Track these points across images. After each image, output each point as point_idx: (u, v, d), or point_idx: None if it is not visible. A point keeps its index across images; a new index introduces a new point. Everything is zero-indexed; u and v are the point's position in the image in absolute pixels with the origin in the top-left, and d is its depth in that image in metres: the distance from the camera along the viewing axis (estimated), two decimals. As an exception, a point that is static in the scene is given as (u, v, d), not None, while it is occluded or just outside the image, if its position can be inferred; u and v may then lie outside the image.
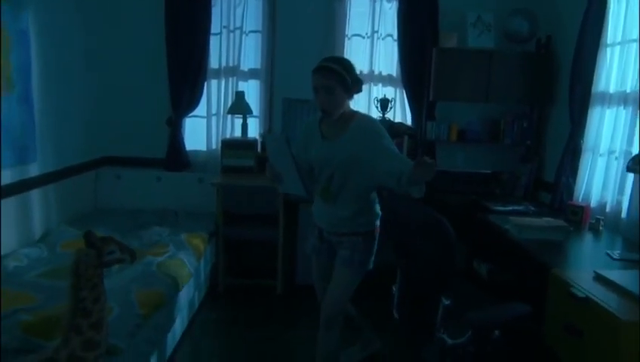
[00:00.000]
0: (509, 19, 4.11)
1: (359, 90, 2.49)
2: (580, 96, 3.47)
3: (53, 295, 2.60)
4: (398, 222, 2.51)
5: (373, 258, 2.58)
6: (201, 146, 4.55)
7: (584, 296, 2.11)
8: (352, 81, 2.41)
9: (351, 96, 2.46)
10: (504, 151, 4.42)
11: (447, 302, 2.27)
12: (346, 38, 4.38)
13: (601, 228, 3.11)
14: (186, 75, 4.30)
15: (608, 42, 3.32)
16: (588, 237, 3.07)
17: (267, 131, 4.44)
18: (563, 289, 2.25)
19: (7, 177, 3.21)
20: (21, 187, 3.36)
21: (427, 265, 2.30)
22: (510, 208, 3.57)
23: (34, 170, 3.51)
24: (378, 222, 2.58)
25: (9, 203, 3.23)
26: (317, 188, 2.59)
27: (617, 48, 3.26)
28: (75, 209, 4.10)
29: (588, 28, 3.37)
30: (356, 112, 2.52)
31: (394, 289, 2.75)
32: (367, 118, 2.56)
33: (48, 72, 3.63)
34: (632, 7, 3.14)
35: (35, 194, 3.55)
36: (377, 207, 2.59)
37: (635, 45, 3.08)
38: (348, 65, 2.44)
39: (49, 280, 2.83)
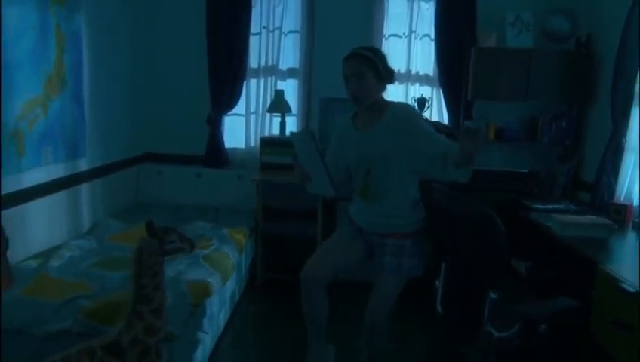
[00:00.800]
0: (548, 18, 4.10)
1: (392, 82, 2.43)
2: (622, 94, 3.45)
3: (106, 284, 2.73)
4: (445, 216, 2.53)
5: (422, 261, 2.46)
6: (240, 144, 4.63)
7: (635, 290, 2.12)
8: (383, 70, 2.36)
9: (383, 87, 2.40)
10: (542, 150, 4.40)
11: (494, 296, 2.29)
12: (384, 38, 4.40)
13: (645, 226, 3.10)
14: (226, 75, 4.38)
15: (653, 41, 3.30)
16: (632, 235, 3.06)
17: (303, 130, 4.49)
18: (612, 285, 2.26)
19: (61, 171, 3.36)
20: (71, 181, 3.50)
21: (476, 260, 2.32)
22: (551, 206, 3.57)
23: (83, 165, 3.65)
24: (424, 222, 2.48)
25: (61, 196, 3.38)
26: (356, 187, 2.50)
27: (662, 47, 3.24)
28: (118, 203, 4.23)
29: (632, 26, 3.35)
30: (390, 101, 2.45)
31: (437, 284, 2.77)
32: (402, 105, 2.50)
33: (97, 71, 3.77)
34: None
35: (84, 189, 3.68)
36: (422, 205, 2.49)
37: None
38: (380, 54, 2.41)
39: (101, 270, 2.94)
